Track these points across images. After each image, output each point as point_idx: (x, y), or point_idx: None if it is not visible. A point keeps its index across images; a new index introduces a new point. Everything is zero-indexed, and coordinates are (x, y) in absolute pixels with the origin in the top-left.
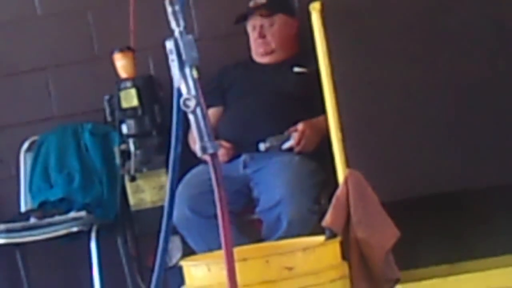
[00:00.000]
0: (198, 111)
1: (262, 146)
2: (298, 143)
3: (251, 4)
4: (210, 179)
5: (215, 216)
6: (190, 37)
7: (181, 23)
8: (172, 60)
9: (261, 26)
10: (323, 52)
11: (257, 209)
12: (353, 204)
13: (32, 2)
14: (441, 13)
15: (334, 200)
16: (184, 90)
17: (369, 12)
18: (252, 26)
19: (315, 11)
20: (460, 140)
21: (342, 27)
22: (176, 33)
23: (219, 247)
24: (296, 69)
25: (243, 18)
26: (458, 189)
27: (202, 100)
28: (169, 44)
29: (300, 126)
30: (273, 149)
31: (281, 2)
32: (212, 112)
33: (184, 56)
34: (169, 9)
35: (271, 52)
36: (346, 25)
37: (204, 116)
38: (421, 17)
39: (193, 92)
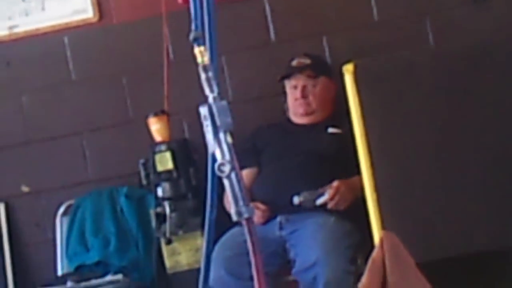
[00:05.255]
0: (233, 176)
1: (296, 200)
2: (332, 198)
3: (295, 63)
4: (246, 241)
5: (252, 278)
6: (224, 102)
7: (215, 89)
8: (207, 126)
9: (304, 86)
10: (357, 113)
11: (293, 271)
12: (389, 267)
13: (67, 68)
14: (475, 74)
15: (369, 263)
16: (218, 155)
17: (402, 73)
18: (294, 85)
19: (348, 72)
20: (496, 199)
21: (375, 88)
22: (210, 99)
23: None
24: (331, 130)
25: (287, 76)
26: (495, 249)
27: (236, 165)
28: (203, 110)
29: (335, 183)
30: (306, 203)
31: (324, 65)
32: (247, 173)
33: (218, 122)
34: (202, 76)
35: (311, 113)
36: (379, 86)
37: (239, 180)
38: (454, 78)
39: (227, 157)
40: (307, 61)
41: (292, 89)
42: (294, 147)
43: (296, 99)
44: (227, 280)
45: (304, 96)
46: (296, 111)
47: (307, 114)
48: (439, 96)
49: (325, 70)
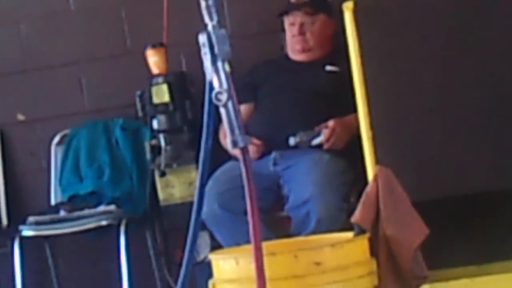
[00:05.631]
0: (230, 105)
1: (292, 141)
2: (327, 139)
3: (294, 0)
4: (240, 175)
5: (245, 212)
6: (223, 31)
7: (215, 17)
8: (205, 54)
9: (302, 23)
10: (355, 51)
11: (286, 207)
12: (382, 201)
13: None
14: (474, 11)
15: (363, 197)
16: (216, 84)
17: (401, 11)
18: (292, 22)
19: (348, 10)
20: (492, 140)
21: (374, 26)
22: (209, 27)
23: (248, 243)
24: (328, 68)
25: (285, 13)
26: (489, 190)
27: (234, 94)
28: (202, 38)
29: (330, 123)
30: (302, 144)
31: (324, 2)
32: (243, 108)
33: (216, 50)
34: (202, 3)
35: (308, 50)
36: (378, 24)
37: (236, 110)
38: (454, 16)
39: (225, 86)
40: None
41: (290, 26)
42: (291, 84)
43: (293, 36)
44: (219, 214)
45: (301, 33)
46: (293, 48)
47: (304, 51)
48: (438, 35)
49: (324, 7)
